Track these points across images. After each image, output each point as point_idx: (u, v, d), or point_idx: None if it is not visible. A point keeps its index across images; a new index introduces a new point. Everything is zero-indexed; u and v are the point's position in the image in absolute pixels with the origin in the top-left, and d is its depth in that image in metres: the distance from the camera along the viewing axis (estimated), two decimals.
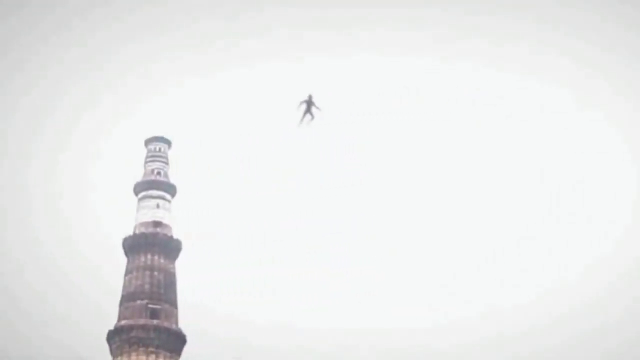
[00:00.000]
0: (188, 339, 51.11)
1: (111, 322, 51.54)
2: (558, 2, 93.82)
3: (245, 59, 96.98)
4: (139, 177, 56.00)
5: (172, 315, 51.25)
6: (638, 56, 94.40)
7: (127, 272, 52.39)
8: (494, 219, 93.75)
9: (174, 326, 50.73)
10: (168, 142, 57.38)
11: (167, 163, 56.55)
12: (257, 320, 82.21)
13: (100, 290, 71.32)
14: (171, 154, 57.58)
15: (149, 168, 56.05)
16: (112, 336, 50.23)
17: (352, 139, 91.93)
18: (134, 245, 52.82)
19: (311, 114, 31.19)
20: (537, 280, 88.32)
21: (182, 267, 54.36)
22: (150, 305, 50.78)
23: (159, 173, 55.86)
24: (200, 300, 69.87)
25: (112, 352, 50.12)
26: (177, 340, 50.62)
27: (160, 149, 56.91)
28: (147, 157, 56.72)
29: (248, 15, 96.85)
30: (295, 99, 32.37)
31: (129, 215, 55.69)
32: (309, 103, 31.40)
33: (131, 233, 53.48)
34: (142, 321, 50.02)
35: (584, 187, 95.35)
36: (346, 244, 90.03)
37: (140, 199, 55.06)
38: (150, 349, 49.52)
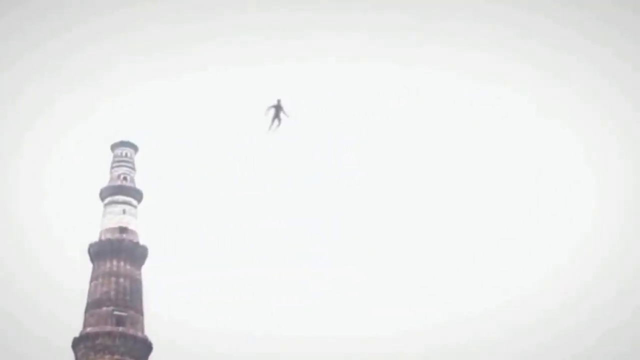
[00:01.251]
0: (154, 346, 51.19)
1: (66, 329, 52.00)
2: (517, 8, 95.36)
3: (203, 63, 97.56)
4: (104, 182, 55.83)
5: (138, 322, 51.28)
6: (598, 62, 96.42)
7: (93, 278, 52.28)
8: (454, 228, 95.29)
9: (139, 333, 50.70)
10: (135, 147, 57.20)
11: (133, 168, 56.41)
12: (228, 327, 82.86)
13: (57, 298, 71.53)
14: (137, 158, 57.38)
15: (115, 173, 55.86)
16: (77, 343, 50.06)
17: (314, 142, 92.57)
18: (100, 252, 52.69)
19: (279, 119, 31.28)
20: (500, 289, 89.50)
21: (149, 273, 54.42)
22: (116, 313, 50.76)
23: (125, 178, 55.67)
24: (167, 307, 70.06)
25: (78, 359, 49.96)
26: (143, 348, 50.59)
27: (126, 154, 56.76)
28: (113, 162, 56.56)
29: (205, 20, 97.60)
30: (263, 103, 32.38)
31: (89, 221, 55.98)
32: (278, 108, 31.57)
33: (97, 239, 53.32)
34: (107, 328, 50.01)
35: (544, 195, 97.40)
36: (320, 247, 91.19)
37: (106, 205, 54.92)
38: (116, 356, 49.45)
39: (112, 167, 56.36)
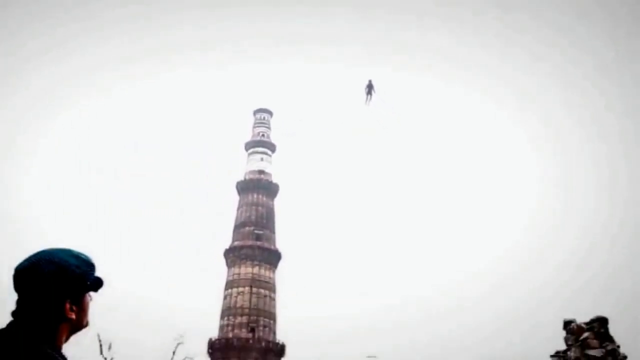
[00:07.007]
0: (283, 255, 61.87)
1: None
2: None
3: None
4: (248, 138, 68.47)
5: (271, 238, 61.74)
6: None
7: (239, 207, 63.92)
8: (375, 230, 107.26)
9: (272, 246, 61.22)
10: (270, 113, 69.57)
11: (269, 128, 68.64)
12: (339, 243, 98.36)
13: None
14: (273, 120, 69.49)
15: (256, 131, 68.27)
16: (227, 253, 61.01)
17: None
18: (244, 187, 64.38)
19: (370, 95, 39.70)
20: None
21: (280, 204, 65.70)
22: (255, 231, 61.05)
23: (263, 135, 67.85)
24: (292, 228, 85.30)
25: (228, 264, 60.96)
26: (274, 257, 61.09)
27: (264, 117, 68.99)
28: (254, 123, 69.00)
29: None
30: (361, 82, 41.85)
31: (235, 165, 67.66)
32: (370, 86, 39.88)
33: (242, 178, 65.31)
34: (249, 242, 60.34)
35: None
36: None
37: (249, 154, 67.28)
38: (255, 262, 59.82)
39: (253, 127, 68.90)
